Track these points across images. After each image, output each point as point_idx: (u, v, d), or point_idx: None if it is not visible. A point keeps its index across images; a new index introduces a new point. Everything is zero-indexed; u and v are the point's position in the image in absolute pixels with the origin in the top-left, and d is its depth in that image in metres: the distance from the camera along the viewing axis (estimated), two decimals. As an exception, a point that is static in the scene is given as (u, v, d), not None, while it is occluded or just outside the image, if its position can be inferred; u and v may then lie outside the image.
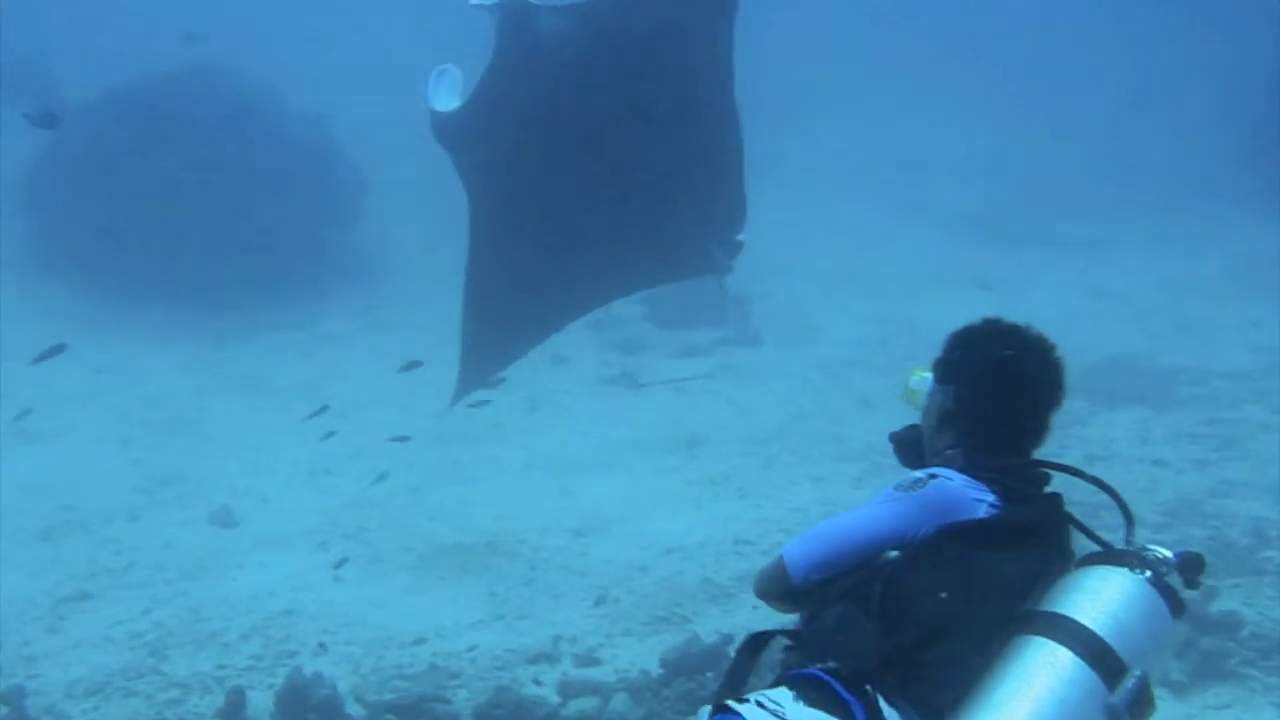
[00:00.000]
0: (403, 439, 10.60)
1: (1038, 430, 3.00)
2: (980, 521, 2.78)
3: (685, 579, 8.73)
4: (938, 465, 2.95)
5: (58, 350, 10.60)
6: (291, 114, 18.16)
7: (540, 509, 10.18)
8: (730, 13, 7.24)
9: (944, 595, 2.67)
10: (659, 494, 10.49)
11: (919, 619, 2.68)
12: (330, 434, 10.91)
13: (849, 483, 10.41)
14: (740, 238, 7.66)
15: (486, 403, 10.59)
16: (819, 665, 2.72)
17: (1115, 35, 28.70)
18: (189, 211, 16.00)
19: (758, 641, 2.94)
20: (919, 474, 2.88)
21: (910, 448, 3.17)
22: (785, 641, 2.91)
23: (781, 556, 2.92)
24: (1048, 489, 2.93)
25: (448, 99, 7.17)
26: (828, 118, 24.31)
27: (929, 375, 3.14)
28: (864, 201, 20.73)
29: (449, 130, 7.18)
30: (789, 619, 2.98)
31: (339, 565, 9.36)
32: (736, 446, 11.54)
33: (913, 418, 3.21)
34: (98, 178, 16.21)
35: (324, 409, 10.60)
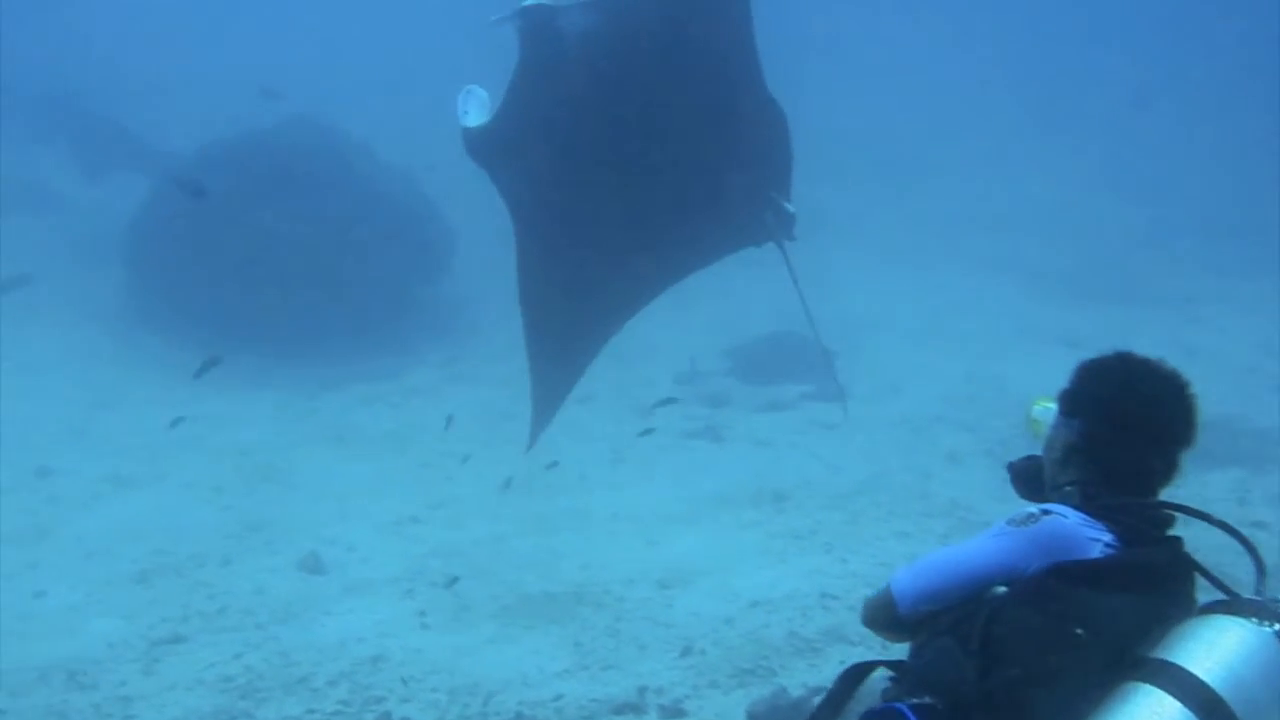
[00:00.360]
0: (554, 465, 10.84)
1: (1166, 470, 2.91)
2: (1094, 561, 2.71)
3: (771, 632, 8.69)
4: (1055, 501, 2.90)
5: (214, 362, 10.84)
6: (383, 167, 18.51)
7: (625, 560, 10.19)
8: None
9: (1079, 631, 2.60)
10: (744, 547, 10.46)
11: (1021, 658, 2.63)
12: (467, 457, 11.01)
13: (935, 539, 10.28)
14: (790, 208, 7.66)
15: (651, 430, 11.54)
16: (912, 700, 2.71)
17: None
18: (282, 264, 16.30)
19: (859, 671, 2.92)
20: (1032, 508, 2.83)
21: (1028, 480, 3.12)
22: (887, 673, 2.89)
23: (889, 585, 2.90)
24: (1171, 532, 2.85)
25: (477, 117, 7.26)
26: (906, 173, 24.36)
27: (1053, 406, 3.07)
28: (946, 258, 20.63)
29: (482, 144, 7.25)
30: (898, 649, 2.95)
31: (450, 584, 9.60)
32: (821, 501, 11.48)
33: (1023, 449, 3.17)
34: (194, 230, 16.58)
35: (451, 420, 10.64)
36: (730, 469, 12.36)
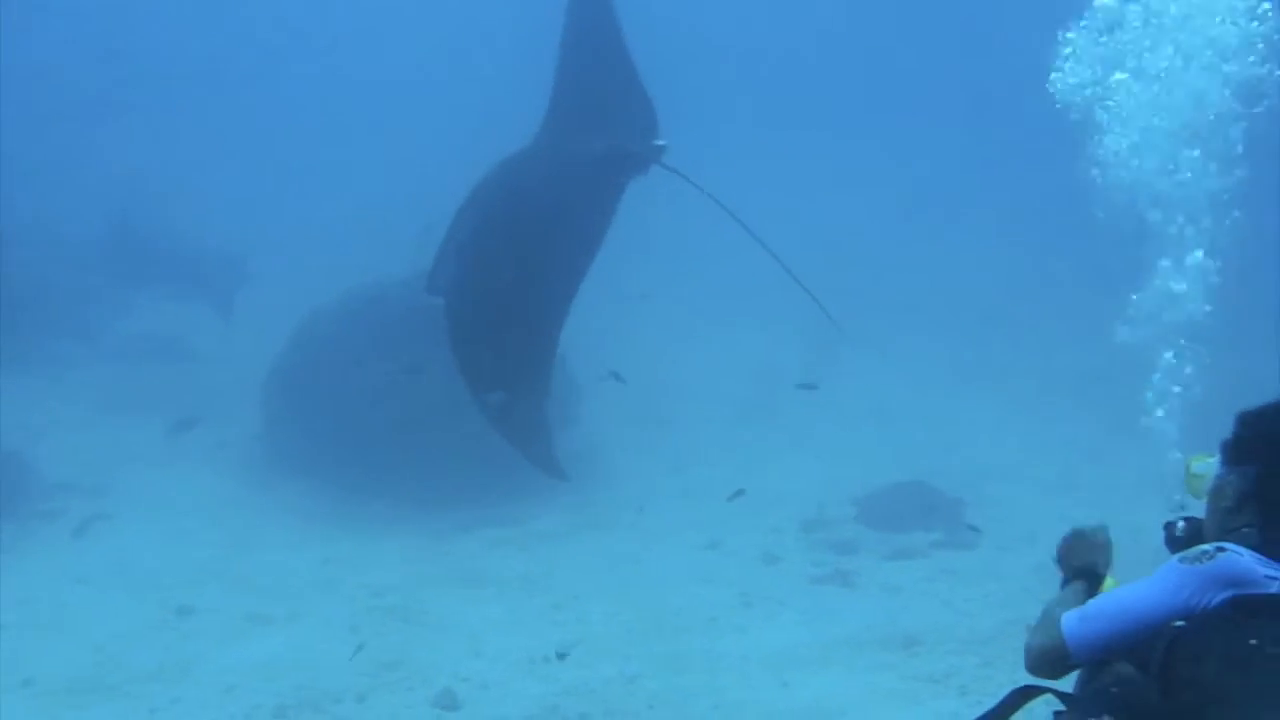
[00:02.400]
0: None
1: None
2: (1274, 596, 2.72)
3: (910, 774, 8.56)
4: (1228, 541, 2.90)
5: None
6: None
7: (758, 701, 10.13)
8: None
9: (1273, 651, 2.60)
10: (877, 690, 10.33)
11: (1203, 684, 2.64)
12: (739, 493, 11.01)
13: (1070, 686, 10.04)
14: (661, 142, 8.55)
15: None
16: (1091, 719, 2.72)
17: None
18: (412, 412, 16.65)
19: (1025, 694, 2.94)
20: (1206, 546, 2.85)
21: (1189, 538, 3.15)
22: (1053, 700, 2.90)
23: (1063, 634, 2.90)
24: None
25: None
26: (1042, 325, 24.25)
27: (1213, 460, 3.11)
28: (1075, 411, 20.35)
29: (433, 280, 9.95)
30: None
31: (562, 656, 9.80)
32: (954, 646, 11.31)
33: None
34: (326, 379, 17.08)
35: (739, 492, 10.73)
36: (860, 613, 12.26)
